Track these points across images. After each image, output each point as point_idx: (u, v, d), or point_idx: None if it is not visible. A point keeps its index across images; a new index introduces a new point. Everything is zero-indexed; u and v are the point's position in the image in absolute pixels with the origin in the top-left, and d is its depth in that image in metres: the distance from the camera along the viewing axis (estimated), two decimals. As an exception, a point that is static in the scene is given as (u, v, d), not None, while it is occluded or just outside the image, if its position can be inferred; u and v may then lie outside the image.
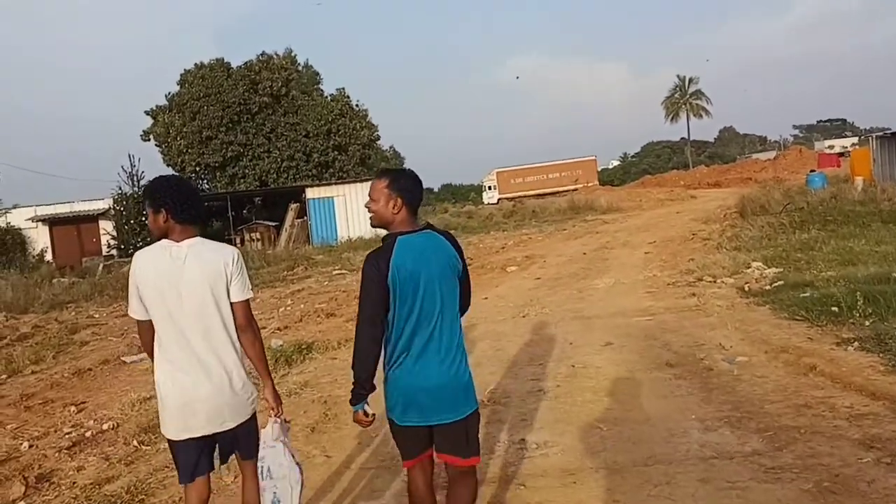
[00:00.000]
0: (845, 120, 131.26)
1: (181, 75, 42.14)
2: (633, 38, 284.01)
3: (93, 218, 37.62)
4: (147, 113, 42.93)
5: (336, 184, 36.87)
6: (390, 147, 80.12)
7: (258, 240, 36.77)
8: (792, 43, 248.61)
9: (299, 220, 36.59)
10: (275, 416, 3.51)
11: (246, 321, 3.41)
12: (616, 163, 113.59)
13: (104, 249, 36.65)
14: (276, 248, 32.45)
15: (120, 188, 36.59)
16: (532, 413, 6.18)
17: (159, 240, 3.38)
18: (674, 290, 11.82)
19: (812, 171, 32.01)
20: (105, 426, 7.14)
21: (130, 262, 3.50)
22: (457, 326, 3.32)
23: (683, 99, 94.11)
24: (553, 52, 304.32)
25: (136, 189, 37.27)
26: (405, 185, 3.27)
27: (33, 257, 34.48)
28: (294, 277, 21.24)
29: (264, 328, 11.95)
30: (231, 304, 3.37)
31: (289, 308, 14.44)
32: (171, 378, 3.31)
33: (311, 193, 35.76)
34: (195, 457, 3.39)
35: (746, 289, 10.83)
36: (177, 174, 5.09)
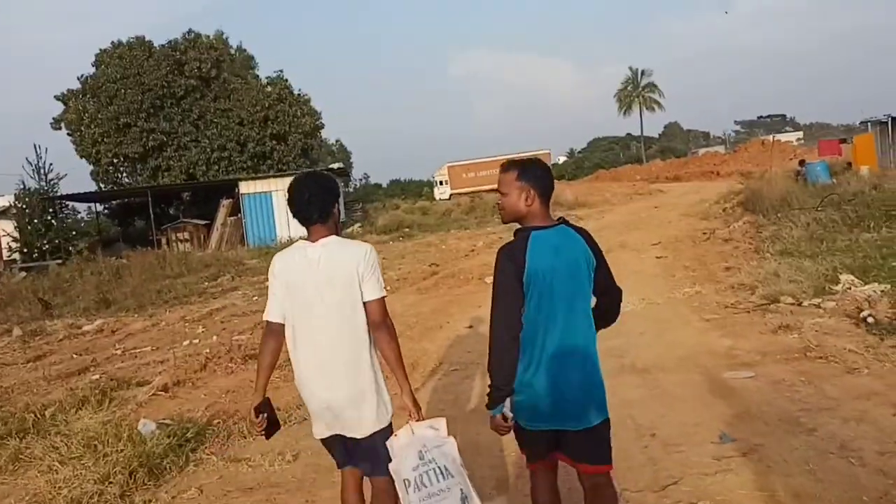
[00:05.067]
0: (785, 115, 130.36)
1: (96, 55, 37.11)
2: (575, 35, 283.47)
3: (-10, 217, 32.69)
4: (58, 98, 37.82)
5: (274, 177, 32.45)
6: (336, 141, 76.11)
7: (186, 240, 32.45)
8: (732, 39, 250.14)
9: (232, 218, 32.28)
10: (414, 420, 3.23)
11: (381, 319, 3.23)
12: (564, 158, 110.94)
13: (5, 253, 31.80)
14: (206, 251, 28.22)
15: (23, 183, 31.99)
16: None
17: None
18: (747, 319, 8.23)
19: (802, 160, 28.92)
20: None
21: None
22: (590, 330, 3.11)
23: (636, 92, 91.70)
24: (500, 48, 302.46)
25: (42, 184, 32.64)
26: (536, 174, 3.11)
27: None
28: (217, 290, 17.14)
29: (147, 383, 8.01)
30: (364, 303, 3.21)
31: (195, 342, 10.43)
32: (305, 381, 3.27)
33: (245, 188, 31.48)
34: (340, 449, 3.35)
35: (870, 319, 7.28)
36: (308, 172, 3.65)
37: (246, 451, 5.56)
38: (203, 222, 33.25)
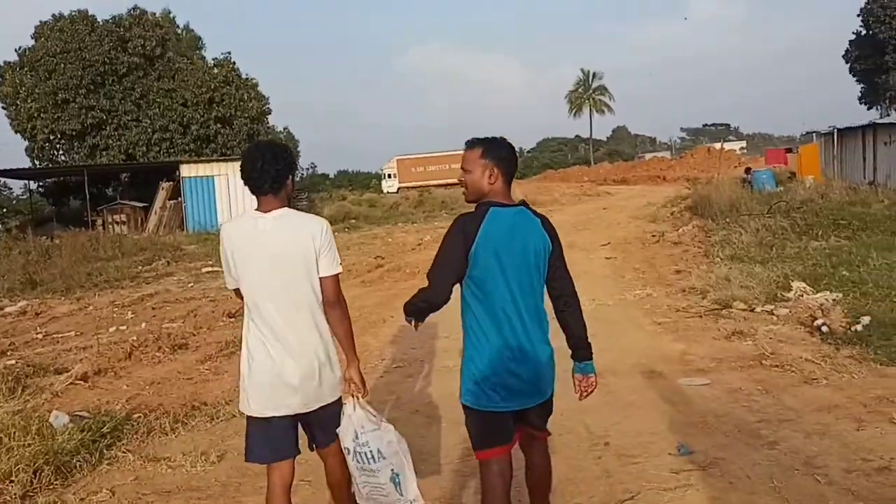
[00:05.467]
0: (729, 125, 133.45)
1: (36, 27, 35.55)
2: (529, 36, 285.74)
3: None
4: (-7, 70, 36.13)
5: (217, 161, 31.46)
6: (284, 128, 74.79)
7: (123, 223, 31.25)
8: (682, 49, 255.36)
9: (172, 202, 31.25)
10: (361, 397, 3.26)
11: (335, 297, 3.20)
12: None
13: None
14: (143, 234, 27.22)
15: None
16: None
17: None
18: (699, 324, 8.05)
19: (748, 168, 29.18)
20: None
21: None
22: (542, 310, 3.11)
23: (587, 94, 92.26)
24: (452, 46, 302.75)
25: (-30, 157, 31.12)
26: (501, 153, 3.10)
27: None
28: (151, 275, 16.41)
29: (66, 370, 7.43)
30: (319, 278, 3.16)
31: (123, 328, 9.83)
32: (255, 354, 3.13)
33: (186, 171, 30.39)
34: (277, 436, 3.16)
35: (824, 328, 7.13)
36: (264, 141, 3.68)
37: (166, 450, 5.08)
38: (141, 205, 32.11)
